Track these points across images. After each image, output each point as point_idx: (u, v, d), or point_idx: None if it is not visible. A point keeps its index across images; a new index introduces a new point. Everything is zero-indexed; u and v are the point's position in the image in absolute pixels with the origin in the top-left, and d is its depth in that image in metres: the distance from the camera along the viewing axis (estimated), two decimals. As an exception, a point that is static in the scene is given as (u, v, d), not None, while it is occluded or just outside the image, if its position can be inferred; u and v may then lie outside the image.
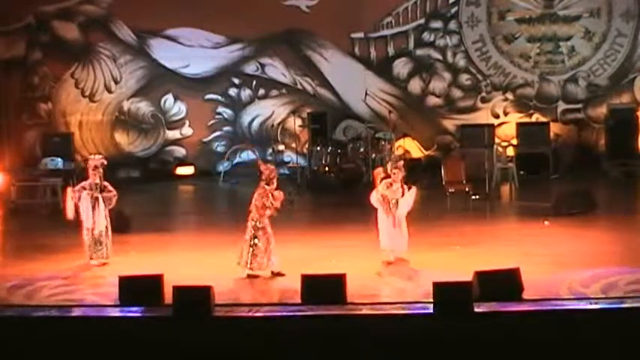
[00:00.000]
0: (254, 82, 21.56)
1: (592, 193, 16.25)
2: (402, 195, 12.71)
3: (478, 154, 19.06)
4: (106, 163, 13.21)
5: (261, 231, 12.18)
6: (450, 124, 21.27)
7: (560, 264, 12.25)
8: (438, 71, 21.29)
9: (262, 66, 21.52)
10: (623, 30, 20.95)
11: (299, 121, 21.01)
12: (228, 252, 13.53)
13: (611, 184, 19.29)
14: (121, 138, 21.67)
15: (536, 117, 21.10)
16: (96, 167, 13.04)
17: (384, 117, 20.75)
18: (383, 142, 20.03)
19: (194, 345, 10.19)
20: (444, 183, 17.30)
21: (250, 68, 21.55)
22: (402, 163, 13.09)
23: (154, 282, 10.89)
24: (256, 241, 12.15)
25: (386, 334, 10.13)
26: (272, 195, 12.23)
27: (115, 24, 21.47)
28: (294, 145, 20.92)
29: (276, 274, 12.14)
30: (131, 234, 14.78)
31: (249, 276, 12.12)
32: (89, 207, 12.94)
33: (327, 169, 19.47)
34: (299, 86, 21.53)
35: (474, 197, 17.05)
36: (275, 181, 12.29)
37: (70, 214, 13.06)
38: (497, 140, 20.28)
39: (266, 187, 12.23)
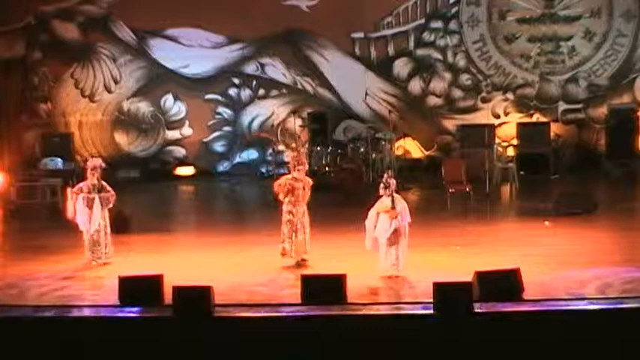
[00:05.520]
0: (254, 82, 21.54)
1: (592, 193, 16.24)
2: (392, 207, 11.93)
3: (478, 154, 19.06)
4: (104, 165, 13.22)
5: (290, 215, 12.72)
6: (450, 124, 21.26)
7: (560, 264, 12.25)
8: (438, 71, 21.28)
9: (262, 66, 21.50)
10: (624, 30, 20.94)
11: (299, 121, 21.01)
12: (228, 252, 13.56)
13: (611, 184, 19.28)
14: (120, 138, 21.66)
15: (537, 117, 21.09)
16: (94, 168, 13.03)
17: (384, 117, 20.73)
18: (383, 142, 20.02)
19: (194, 345, 10.18)
20: (444, 183, 17.28)
21: (250, 68, 21.54)
22: (390, 173, 12.31)
23: (154, 282, 10.89)
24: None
25: (386, 335, 10.12)
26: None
27: (115, 24, 21.45)
28: (294, 145, 20.90)
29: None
30: (131, 234, 14.77)
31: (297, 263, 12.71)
32: (85, 209, 12.93)
33: (327, 169, 19.45)
34: (299, 86, 21.51)
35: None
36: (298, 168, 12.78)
37: (70, 213, 13.08)
38: (497, 140, 20.28)
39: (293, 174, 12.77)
